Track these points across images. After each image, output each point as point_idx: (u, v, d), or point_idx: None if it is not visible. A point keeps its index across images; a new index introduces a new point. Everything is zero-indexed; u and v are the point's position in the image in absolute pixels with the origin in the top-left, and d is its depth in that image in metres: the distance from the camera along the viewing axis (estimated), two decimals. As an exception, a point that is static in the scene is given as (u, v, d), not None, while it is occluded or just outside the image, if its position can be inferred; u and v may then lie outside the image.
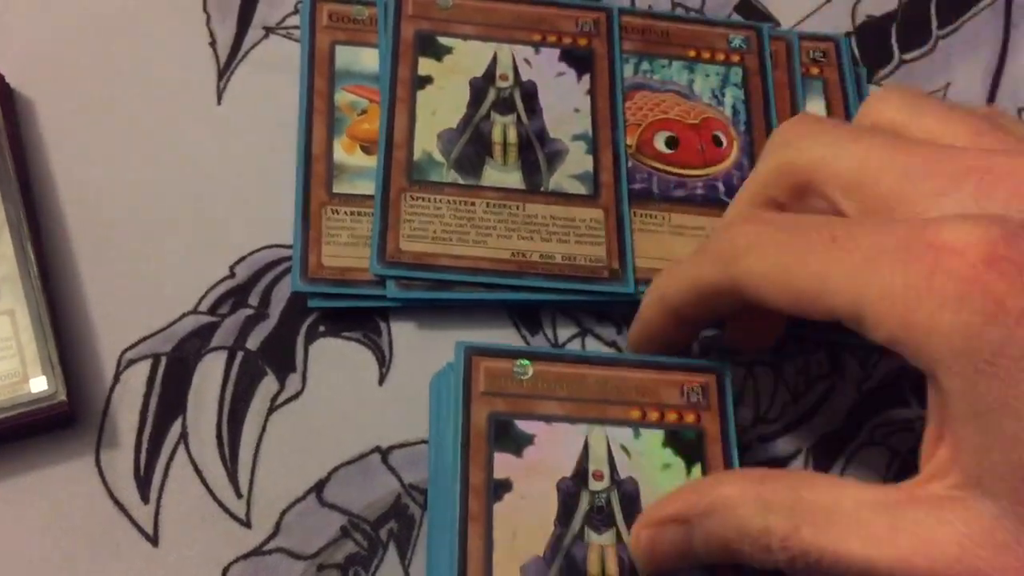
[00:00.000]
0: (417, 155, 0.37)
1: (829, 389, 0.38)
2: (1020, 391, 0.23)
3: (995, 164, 0.26)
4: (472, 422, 0.31)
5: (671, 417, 0.32)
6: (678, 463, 0.32)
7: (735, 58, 0.42)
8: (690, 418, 0.32)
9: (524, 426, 0.31)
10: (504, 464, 0.31)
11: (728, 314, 0.32)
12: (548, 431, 0.31)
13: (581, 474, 0.31)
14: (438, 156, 0.37)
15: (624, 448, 0.31)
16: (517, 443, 0.31)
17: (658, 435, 0.32)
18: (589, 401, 0.32)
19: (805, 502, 0.26)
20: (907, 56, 0.44)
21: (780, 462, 0.36)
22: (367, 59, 0.39)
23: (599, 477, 0.31)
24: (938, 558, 0.24)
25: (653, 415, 0.32)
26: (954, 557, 0.24)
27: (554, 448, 0.31)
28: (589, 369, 0.32)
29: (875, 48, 0.44)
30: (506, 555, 0.29)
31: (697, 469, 0.32)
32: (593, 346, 0.37)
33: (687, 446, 0.32)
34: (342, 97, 0.38)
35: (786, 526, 0.26)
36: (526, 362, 0.32)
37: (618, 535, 0.30)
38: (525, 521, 0.30)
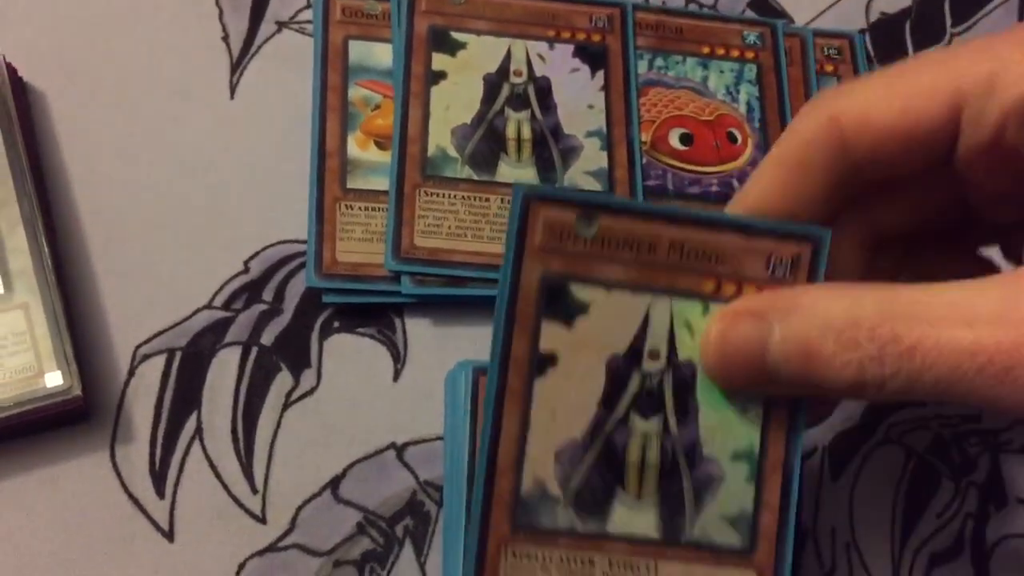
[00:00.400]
0: (431, 151, 0.37)
1: (844, 387, 0.38)
2: None
3: None
4: (523, 282, 0.26)
5: (750, 293, 0.27)
6: None
7: (749, 55, 0.41)
8: None
9: (579, 291, 0.27)
10: (551, 335, 0.27)
11: (823, 201, 0.27)
12: (606, 300, 0.27)
13: (635, 352, 0.27)
14: (452, 152, 0.37)
15: (688, 325, 0.27)
16: (569, 311, 0.27)
17: None
18: (658, 266, 0.27)
19: (900, 295, 0.23)
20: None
21: (796, 460, 0.36)
22: (381, 54, 0.39)
23: (655, 357, 0.27)
24: None
25: (729, 289, 0.27)
26: None
27: (610, 320, 0.27)
28: (664, 228, 0.27)
29: (889, 45, 0.44)
30: (542, 437, 0.27)
31: None
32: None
33: None
34: (355, 92, 0.38)
35: (877, 315, 0.23)
36: (593, 214, 0.27)
37: (665, 423, 0.27)
38: (567, 400, 0.27)
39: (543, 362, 0.26)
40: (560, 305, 0.27)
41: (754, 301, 0.26)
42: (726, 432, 0.27)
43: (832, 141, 0.25)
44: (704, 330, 0.27)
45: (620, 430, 0.27)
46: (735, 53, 0.41)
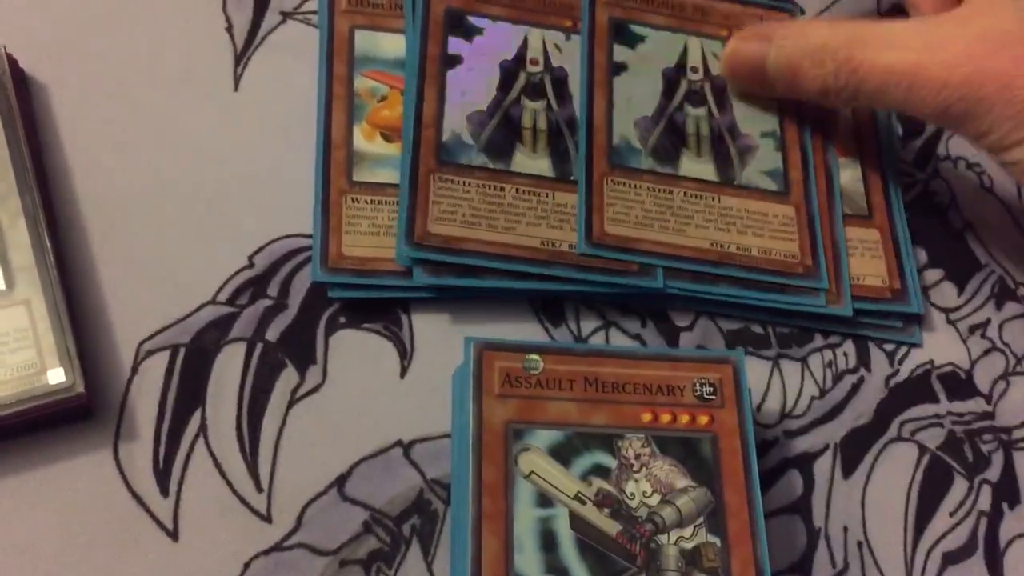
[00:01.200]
0: (446, 136, 0.37)
1: (856, 384, 0.37)
2: None
3: None
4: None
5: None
6: None
7: None
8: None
9: (636, 28, 0.39)
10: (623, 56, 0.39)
11: None
12: (656, 35, 0.39)
13: (681, 68, 0.40)
14: (467, 138, 0.37)
15: (715, 55, 0.40)
16: (631, 39, 0.39)
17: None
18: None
19: (862, 28, 0.34)
20: (934, 44, 0.43)
21: (807, 458, 0.36)
22: (387, 44, 0.38)
23: (695, 72, 0.40)
24: (948, 57, 0.31)
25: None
26: (963, 54, 0.31)
27: (660, 48, 0.40)
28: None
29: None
30: (623, 113, 0.38)
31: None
32: (617, 339, 0.36)
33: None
34: (362, 83, 0.37)
35: (842, 42, 0.34)
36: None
37: (711, 111, 0.39)
38: (637, 92, 0.38)
39: (618, 69, 0.39)
40: (624, 37, 0.39)
41: (763, 27, 0.38)
42: (754, 118, 0.39)
43: None
44: (725, 48, 0.39)
45: (679, 113, 0.39)
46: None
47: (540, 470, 0.30)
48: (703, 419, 0.32)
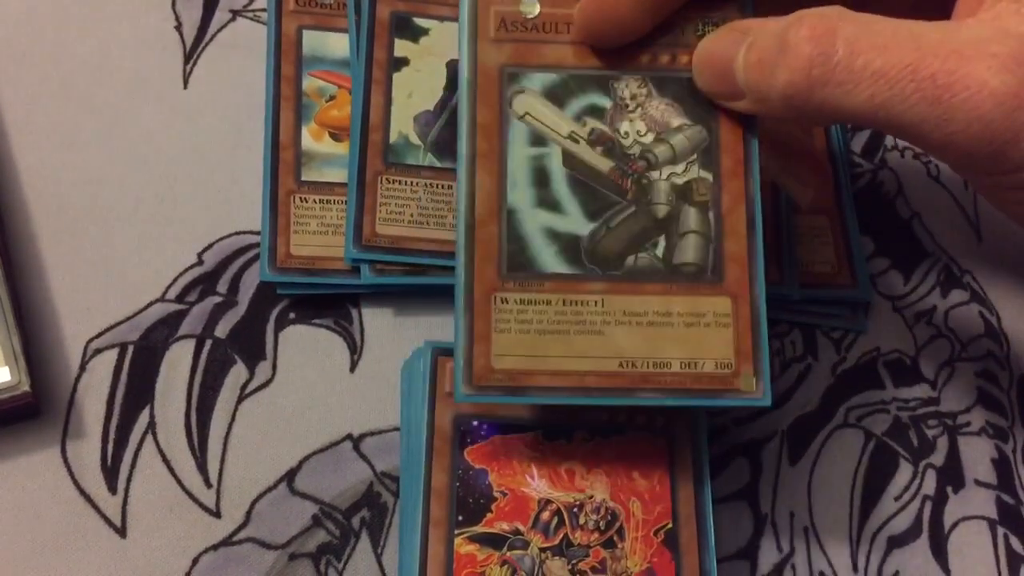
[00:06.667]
0: (393, 137, 0.37)
1: (804, 371, 0.38)
2: None
3: None
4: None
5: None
6: None
7: None
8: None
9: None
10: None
11: None
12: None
13: None
14: (414, 139, 0.37)
15: None
16: None
17: None
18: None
19: (864, 16, 0.26)
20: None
21: (755, 445, 0.36)
22: (335, 44, 0.38)
23: None
24: (994, 60, 0.24)
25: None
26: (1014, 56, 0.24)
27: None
28: None
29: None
30: None
31: None
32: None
33: None
34: (310, 83, 0.38)
35: (828, 35, 0.26)
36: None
37: None
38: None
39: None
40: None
41: (743, 22, 0.29)
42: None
43: None
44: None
45: None
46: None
47: (534, 111, 0.30)
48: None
